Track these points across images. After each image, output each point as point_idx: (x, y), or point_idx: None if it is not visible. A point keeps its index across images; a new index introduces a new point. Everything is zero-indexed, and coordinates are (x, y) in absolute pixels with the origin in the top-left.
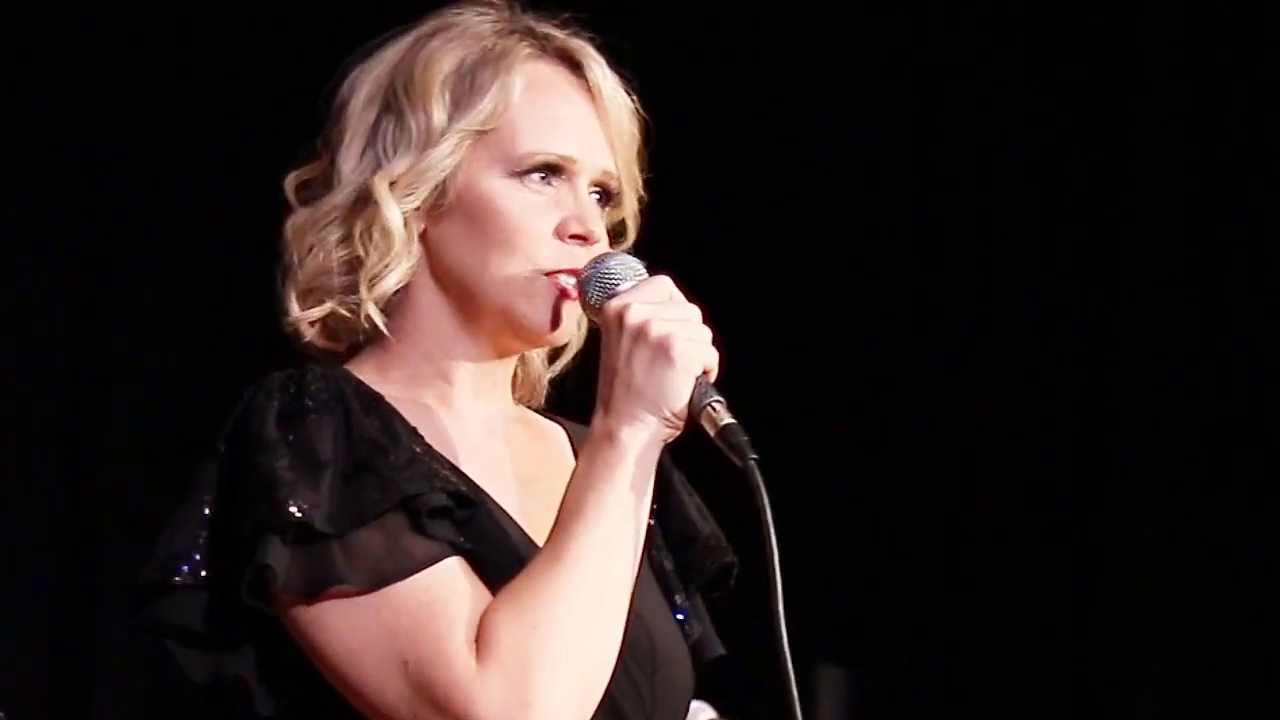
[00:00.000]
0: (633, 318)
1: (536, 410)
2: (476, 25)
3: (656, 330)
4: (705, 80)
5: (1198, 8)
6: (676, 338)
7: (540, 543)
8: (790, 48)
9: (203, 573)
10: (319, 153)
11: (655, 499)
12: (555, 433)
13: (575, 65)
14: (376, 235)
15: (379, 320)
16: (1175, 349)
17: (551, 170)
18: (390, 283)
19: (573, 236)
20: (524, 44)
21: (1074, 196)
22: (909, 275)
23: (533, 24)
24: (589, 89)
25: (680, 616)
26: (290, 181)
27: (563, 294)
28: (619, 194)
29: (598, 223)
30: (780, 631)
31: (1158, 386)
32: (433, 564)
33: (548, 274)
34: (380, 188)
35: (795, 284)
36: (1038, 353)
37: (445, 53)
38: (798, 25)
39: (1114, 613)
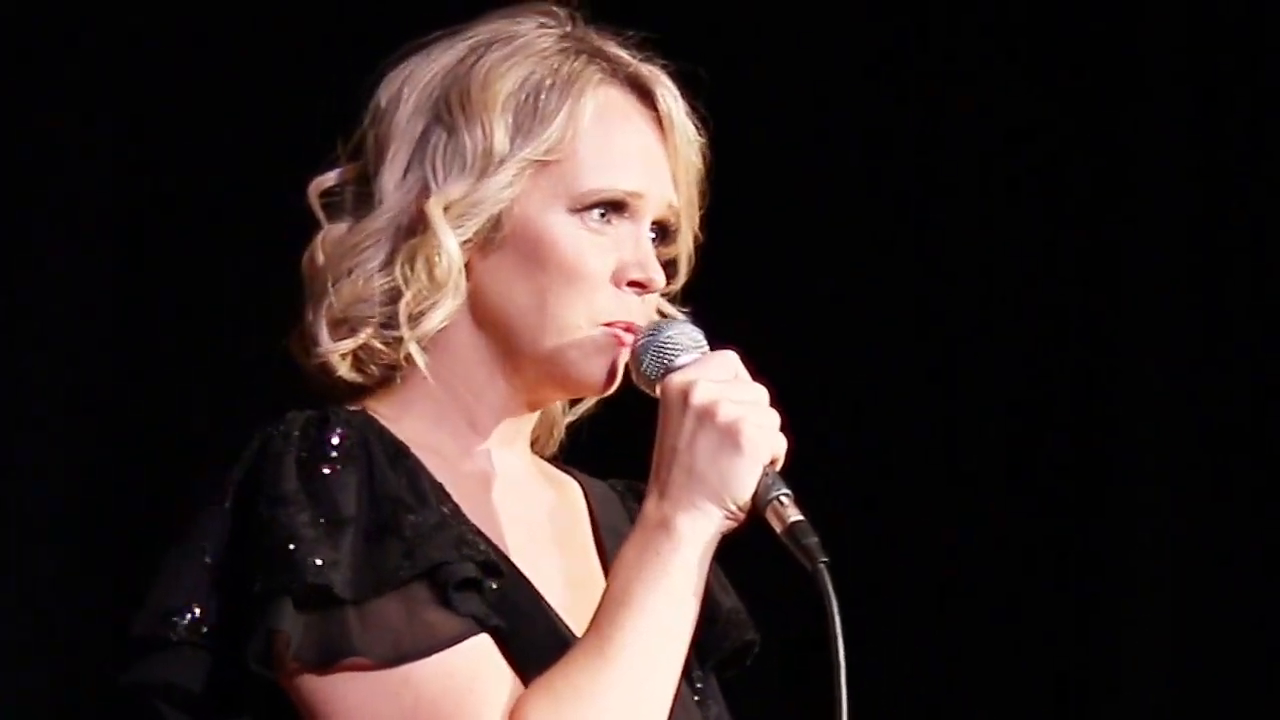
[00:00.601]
0: (699, 397)
1: (549, 459)
2: (539, 40)
3: (725, 414)
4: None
5: (1199, 13)
6: (746, 423)
7: (566, 616)
8: (791, 53)
9: (203, 629)
10: (345, 158)
11: None
12: (571, 488)
13: (645, 93)
14: (421, 266)
15: (420, 361)
16: (1177, 355)
17: (614, 208)
18: (436, 320)
19: (631, 284)
20: (593, 67)
21: (1075, 202)
22: (908, 282)
23: (601, 44)
24: (658, 119)
25: (697, 698)
26: (314, 190)
27: (619, 346)
28: (676, 231)
29: (658, 270)
30: None
31: (1159, 393)
32: (458, 642)
33: (606, 324)
34: (436, 214)
35: (793, 291)
36: (1038, 359)
37: (508, 69)
38: (799, 29)
39: (1115, 619)
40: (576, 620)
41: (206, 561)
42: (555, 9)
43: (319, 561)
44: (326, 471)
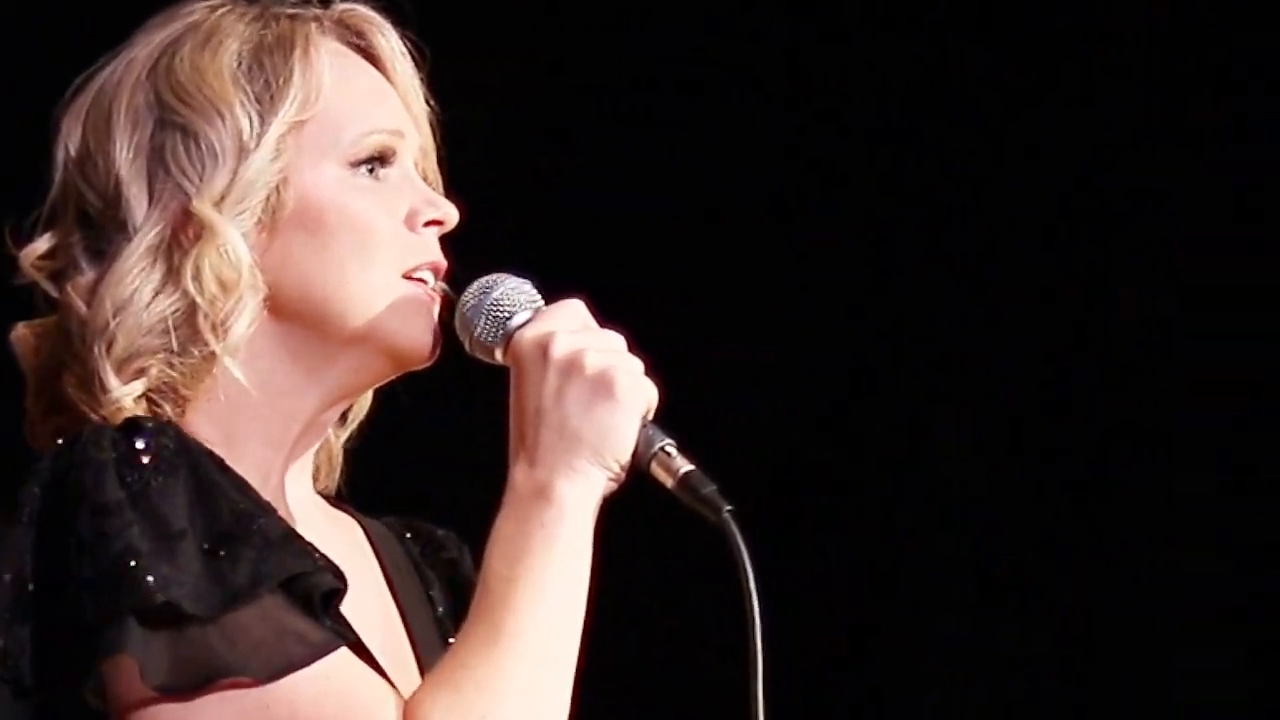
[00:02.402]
0: (561, 349)
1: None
2: (224, 20)
3: (593, 363)
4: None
5: None
6: (618, 371)
7: (378, 654)
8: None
9: (9, 662)
10: (43, 223)
11: None
12: (352, 525)
13: (359, 34)
14: (208, 273)
15: (238, 373)
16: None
17: (380, 160)
18: (244, 323)
19: (428, 224)
20: (299, 23)
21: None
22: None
23: (282, 7)
24: (379, 60)
25: None
26: (28, 259)
27: (430, 300)
28: (427, 174)
29: (448, 204)
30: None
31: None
32: (331, 650)
33: (408, 275)
34: (207, 211)
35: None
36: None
37: (214, 51)
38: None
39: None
40: (386, 659)
41: (5, 580)
42: None
43: (160, 577)
44: (151, 482)
